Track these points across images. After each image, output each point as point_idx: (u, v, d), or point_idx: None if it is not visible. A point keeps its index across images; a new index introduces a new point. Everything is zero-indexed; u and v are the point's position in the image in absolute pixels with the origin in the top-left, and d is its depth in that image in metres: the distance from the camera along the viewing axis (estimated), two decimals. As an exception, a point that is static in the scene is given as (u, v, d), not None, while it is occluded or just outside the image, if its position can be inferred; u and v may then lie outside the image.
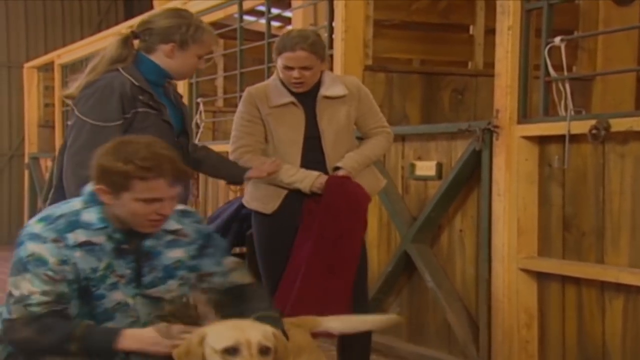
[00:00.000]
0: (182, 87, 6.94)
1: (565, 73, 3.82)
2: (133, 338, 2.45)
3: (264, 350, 2.36)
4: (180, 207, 2.66)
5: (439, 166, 4.38)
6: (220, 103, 8.00)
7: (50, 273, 2.44)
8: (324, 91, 3.50)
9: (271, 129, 3.52)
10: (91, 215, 2.50)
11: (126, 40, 3.18)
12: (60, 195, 3.07)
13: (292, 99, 3.49)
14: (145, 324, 2.56)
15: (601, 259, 3.58)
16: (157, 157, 2.42)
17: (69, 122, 3.20)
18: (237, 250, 4.19)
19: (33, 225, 2.50)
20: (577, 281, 3.68)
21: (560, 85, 3.74)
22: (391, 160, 4.68)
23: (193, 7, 6.46)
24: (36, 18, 11.67)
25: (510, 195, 3.88)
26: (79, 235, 2.48)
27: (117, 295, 2.54)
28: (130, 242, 2.53)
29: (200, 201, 6.41)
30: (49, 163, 9.74)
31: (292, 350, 2.58)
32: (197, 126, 6.44)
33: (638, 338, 3.43)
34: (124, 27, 7.90)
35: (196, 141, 6.16)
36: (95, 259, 2.50)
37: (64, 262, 2.46)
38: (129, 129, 3.04)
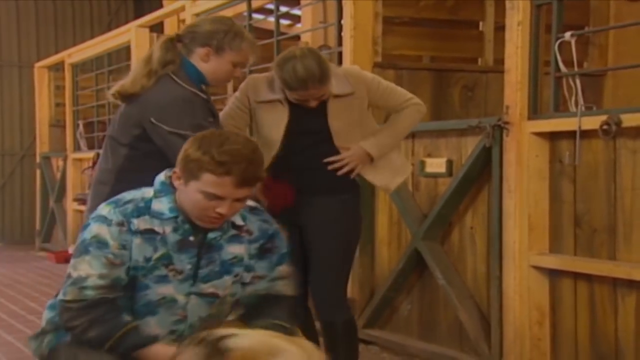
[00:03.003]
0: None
1: (576, 69, 3.80)
2: (159, 351, 2.39)
3: None
4: (251, 203, 2.62)
5: (449, 163, 4.37)
6: (229, 102, 8.00)
7: (110, 256, 2.43)
8: (333, 90, 3.43)
9: (256, 123, 3.53)
10: (162, 205, 2.48)
11: (171, 43, 3.23)
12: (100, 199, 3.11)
13: (279, 96, 3.44)
14: (191, 325, 2.52)
15: (613, 256, 3.56)
16: (235, 155, 2.38)
17: (130, 125, 3.18)
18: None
19: (102, 208, 2.49)
20: (589, 278, 3.66)
21: (570, 80, 3.73)
22: (401, 158, 4.66)
23: (202, 6, 6.47)
24: (46, 18, 11.71)
25: (521, 191, 3.87)
26: (143, 222, 2.46)
27: (165, 289, 2.49)
28: (197, 234, 2.50)
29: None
30: (60, 162, 9.78)
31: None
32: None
33: (651, 335, 3.42)
34: (134, 26, 7.94)
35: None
36: (152, 248, 2.46)
37: (123, 246, 2.44)
38: None
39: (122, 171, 3.18)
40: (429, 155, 4.52)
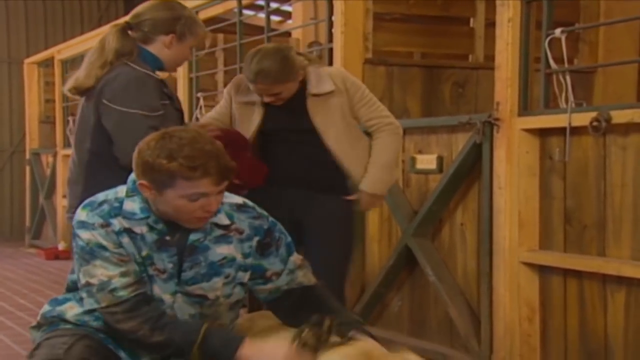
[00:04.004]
0: (182, 81, 6.94)
1: (566, 65, 3.80)
2: (259, 350, 2.36)
3: None
4: (238, 200, 2.57)
5: (440, 159, 4.37)
6: (220, 97, 7.97)
7: (116, 255, 2.41)
8: (311, 89, 3.46)
9: (235, 122, 3.58)
10: (134, 204, 2.44)
11: (124, 31, 3.20)
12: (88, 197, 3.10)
13: (256, 99, 3.48)
14: None
15: (603, 252, 3.57)
16: (203, 155, 2.33)
17: (89, 116, 3.16)
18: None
19: (79, 214, 2.46)
20: (578, 274, 3.67)
21: (561, 77, 3.73)
22: (392, 154, 4.66)
23: (192, 2, 6.44)
24: (36, 14, 11.67)
25: (511, 188, 3.87)
26: (121, 222, 2.43)
27: (155, 290, 2.47)
28: (174, 234, 2.46)
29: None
30: (50, 159, 9.74)
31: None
32: (197, 120, 6.42)
33: (640, 331, 3.43)
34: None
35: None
36: (137, 248, 2.44)
37: (119, 244, 2.42)
38: None
39: (89, 167, 3.16)
40: (420, 152, 4.52)
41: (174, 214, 2.41)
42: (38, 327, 2.62)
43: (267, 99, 3.43)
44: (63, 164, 9.24)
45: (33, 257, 9.28)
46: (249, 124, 3.51)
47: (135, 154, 2.41)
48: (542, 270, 3.86)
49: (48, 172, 9.85)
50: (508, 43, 3.87)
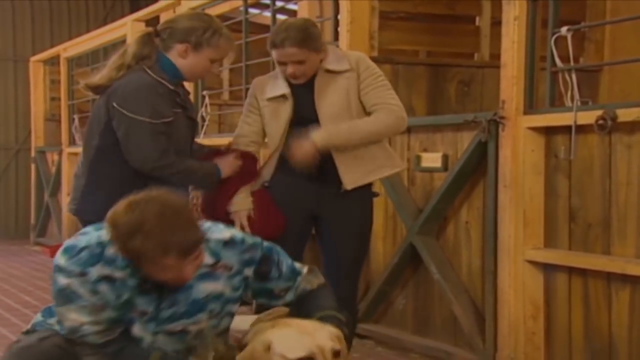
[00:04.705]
0: (187, 79, 6.93)
1: (572, 64, 3.80)
2: None
3: (336, 354, 2.30)
4: (225, 236, 2.58)
5: (445, 158, 4.37)
6: (225, 96, 8.00)
7: (90, 304, 2.44)
8: (326, 64, 3.41)
9: (265, 122, 3.51)
10: (116, 250, 2.43)
11: (148, 38, 3.28)
12: (94, 189, 3.20)
13: (285, 90, 3.43)
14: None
15: (607, 250, 3.57)
16: (164, 233, 2.31)
17: (100, 116, 3.23)
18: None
19: (59, 257, 2.47)
20: (583, 272, 3.67)
21: (566, 75, 3.73)
22: (397, 152, 4.65)
23: (198, 0, 6.46)
24: (42, 12, 11.68)
25: (517, 186, 3.87)
26: (100, 269, 2.44)
27: (135, 330, 2.52)
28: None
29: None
30: (56, 157, 9.76)
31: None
32: (203, 119, 6.43)
33: (645, 329, 3.42)
34: (130, 20, 7.92)
35: (202, 134, 6.18)
36: (115, 294, 2.46)
37: (94, 292, 2.44)
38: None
39: (93, 163, 3.23)
40: (425, 150, 4.52)
41: (158, 278, 2.43)
42: (27, 333, 2.68)
43: (290, 71, 3.36)
44: (68, 162, 9.26)
45: (38, 255, 9.30)
46: (279, 119, 3.45)
47: (109, 215, 2.39)
48: (547, 269, 3.86)
49: (53, 170, 9.86)
50: (514, 41, 3.87)
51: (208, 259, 2.53)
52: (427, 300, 4.55)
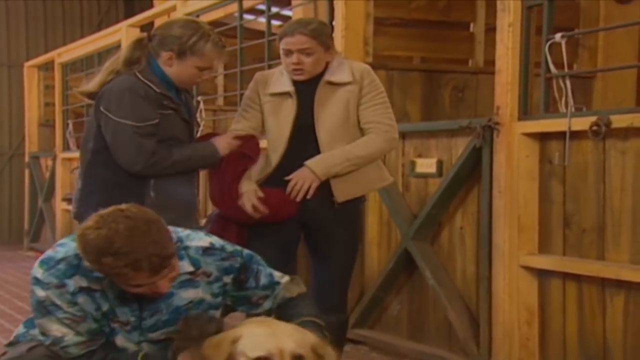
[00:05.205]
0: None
1: (566, 70, 3.81)
2: None
3: (297, 358, 2.31)
4: (204, 243, 2.57)
5: (440, 163, 4.38)
6: (220, 101, 7.99)
7: (70, 315, 2.44)
8: (328, 76, 3.41)
9: (265, 118, 3.50)
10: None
11: (140, 43, 3.30)
12: (88, 192, 3.23)
13: (289, 88, 3.41)
14: None
15: (602, 256, 3.57)
16: (133, 250, 2.28)
17: (94, 120, 3.27)
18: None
19: (36, 269, 2.46)
20: (577, 278, 3.68)
21: (561, 82, 3.74)
22: (391, 158, 4.67)
23: (193, 6, 6.47)
24: (36, 17, 11.67)
25: (511, 192, 3.88)
26: (78, 281, 2.43)
27: (118, 341, 2.52)
28: None
29: (200, 200, 6.39)
30: (49, 162, 9.74)
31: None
32: (198, 124, 6.43)
33: (639, 335, 3.43)
34: (125, 25, 7.92)
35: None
36: (95, 305, 2.46)
37: (73, 304, 2.44)
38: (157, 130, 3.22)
39: (89, 166, 3.27)
40: (420, 156, 4.53)
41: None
42: (11, 345, 2.68)
43: (294, 61, 3.35)
44: (62, 167, 9.25)
45: (32, 260, 9.21)
46: (284, 118, 3.43)
47: (77, 231, 2.37)
48: (541, 274, 3.86)
49: (47, 175, 9.84)
50: (508, 48, 3.88)
51: (188, 267, 2.53)
52: (422, 306, 4.56)
